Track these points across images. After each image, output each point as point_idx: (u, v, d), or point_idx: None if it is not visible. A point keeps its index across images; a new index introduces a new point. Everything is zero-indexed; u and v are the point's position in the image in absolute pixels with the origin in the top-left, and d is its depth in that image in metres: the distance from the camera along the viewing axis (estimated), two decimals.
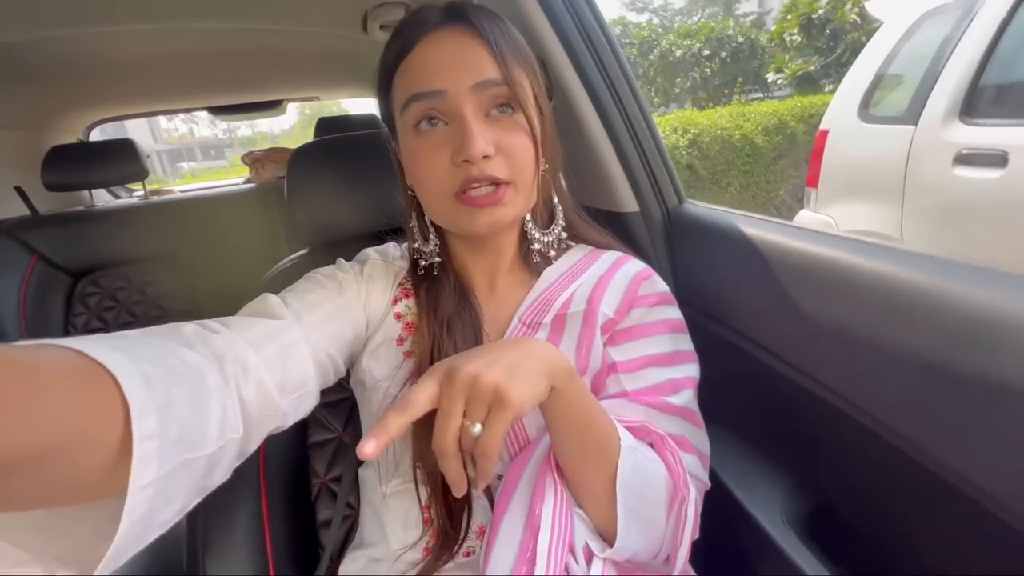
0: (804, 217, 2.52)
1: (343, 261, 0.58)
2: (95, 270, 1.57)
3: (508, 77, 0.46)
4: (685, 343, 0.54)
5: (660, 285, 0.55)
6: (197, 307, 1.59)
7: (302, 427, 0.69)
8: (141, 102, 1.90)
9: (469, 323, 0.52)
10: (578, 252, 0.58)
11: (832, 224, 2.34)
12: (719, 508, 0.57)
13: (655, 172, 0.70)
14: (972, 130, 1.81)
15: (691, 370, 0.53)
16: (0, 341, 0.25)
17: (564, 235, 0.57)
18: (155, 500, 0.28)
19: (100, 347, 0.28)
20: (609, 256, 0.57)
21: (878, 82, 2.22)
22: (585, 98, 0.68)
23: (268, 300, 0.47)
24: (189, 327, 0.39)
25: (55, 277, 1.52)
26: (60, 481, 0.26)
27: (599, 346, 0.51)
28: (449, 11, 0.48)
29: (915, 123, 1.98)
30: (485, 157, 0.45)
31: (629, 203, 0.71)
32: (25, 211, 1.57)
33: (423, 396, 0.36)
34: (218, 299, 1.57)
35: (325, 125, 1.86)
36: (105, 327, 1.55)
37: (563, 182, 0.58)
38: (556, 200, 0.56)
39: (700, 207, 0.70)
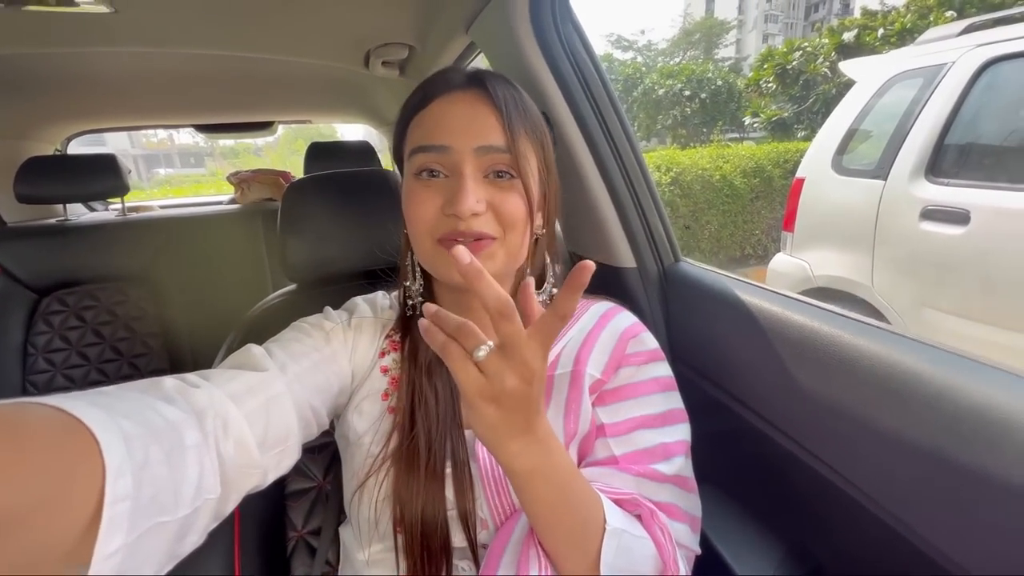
0: (780, 260, 2.60)
1: (330, 310, 0.56)
2: (62, 287, 1.50)
3: (512, 145, 0.47)
4: (676, 401, 0.53)
5: (649, 342, 0.54)
6: (170, 331, 1.52)
7: None
8: (126, 117, 1.86)
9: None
10: None
11: (807, 268, 2.42)
12: (709, 574, 0.56)
13: (652, 230, 0.72)
14: (937, 188, 1.92)
15: (683, 431, 0.52)
16: None
17: (555, 291, 0.57)
18: (122, 569, 0.27)
19: (79, 403, 0.28)
20: (598, 308, 0.57)
21: (851, 136, 2.34)
22: (588, 155, 0.70)
23: (252, 351, 0.46)
24: (169, 381, 0.38)
25: (18, 293, 1.44)
26: (30, 547, 0.25)
27: (587, 409, 0.51)
28: (471, 76, 0.50)
29: (885, 178, 2.09)
30: (474, 215, 0.45)
31: (626, 259, 0.72)
32: None
33: (495, 292, 0.34)
34: (194, 323, 1.52)
35: (316, 150, 1.76)
36: (68, 347, 1.47)
37: (559, 231, 0.59)
38: (548, 260, 0.56)
39: (696, 266, 0.71)
